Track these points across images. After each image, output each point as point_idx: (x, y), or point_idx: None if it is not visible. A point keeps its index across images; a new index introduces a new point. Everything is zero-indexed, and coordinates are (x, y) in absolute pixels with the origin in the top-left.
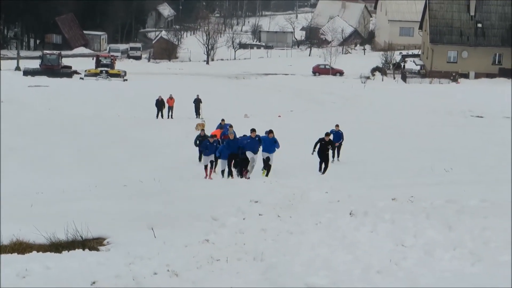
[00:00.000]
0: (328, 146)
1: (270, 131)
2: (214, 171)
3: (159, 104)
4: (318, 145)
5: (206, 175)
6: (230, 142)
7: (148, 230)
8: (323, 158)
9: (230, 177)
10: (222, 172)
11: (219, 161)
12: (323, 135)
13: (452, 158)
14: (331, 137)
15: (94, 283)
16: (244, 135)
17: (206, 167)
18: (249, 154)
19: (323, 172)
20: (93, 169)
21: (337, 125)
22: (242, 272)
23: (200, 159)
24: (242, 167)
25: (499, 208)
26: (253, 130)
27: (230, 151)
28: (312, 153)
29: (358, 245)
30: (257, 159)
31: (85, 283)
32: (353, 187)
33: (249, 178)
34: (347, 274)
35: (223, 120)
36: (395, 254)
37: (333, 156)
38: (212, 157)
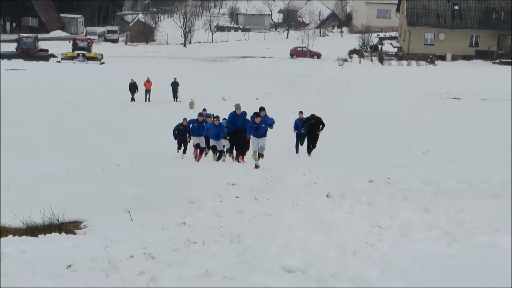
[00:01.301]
0: (319, 127)
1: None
2: (205, 155)
3: (132, 87)
4: (306, 125)
5: (196, 155)
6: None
7: (125, 213)
8: (311, 140)
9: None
10: (216, 151)
11: (212, 141)
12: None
13: (429, 140)
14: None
15: (69, 266)
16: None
17: (197, 146)
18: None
19: (309, 152)
20: (71, 153)
21: (300, 112)
22: (218, 255)
23: (179, 148)
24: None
25: (475, 190)
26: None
27: (234, 127)
28: (302, 131)
29: (335, 227)
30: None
31: (60, 267)
32: (330, 169)
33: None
34: (323, 255)
35: (204, 110)
36: (371, 236)
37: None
38: (202, 139)
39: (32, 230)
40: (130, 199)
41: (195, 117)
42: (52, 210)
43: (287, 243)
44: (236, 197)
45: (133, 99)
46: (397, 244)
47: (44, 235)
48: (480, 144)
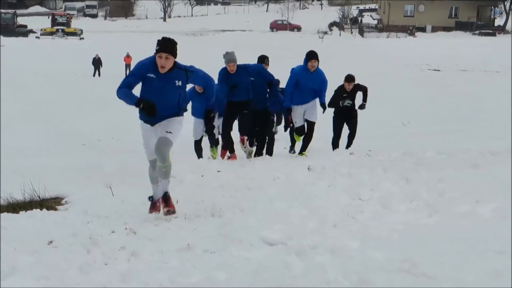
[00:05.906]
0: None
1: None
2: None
3: (96, 62)
4: (337, 100)
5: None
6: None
7: (106, 188)
8: (346, 124)
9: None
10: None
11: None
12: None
13: (409, 112)
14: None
15: (51, 242)
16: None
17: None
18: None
19: (348, 145)
20: (51, 128)
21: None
22: (199, 229)
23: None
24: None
25: (454, 160)
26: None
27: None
28: (328, 106)
29: (315, 199)
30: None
31: (41, 243)
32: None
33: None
34: (302, 228)
35: None
36: (352, 208)
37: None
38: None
39: (13, 207)
40: (112, 174)
41: None
42: (33, 186)
43: (267, 216)
44: (218, 171)
45: (97, 74)
46: (378, 216)
47: (26, 211)
48: (460, 115)
